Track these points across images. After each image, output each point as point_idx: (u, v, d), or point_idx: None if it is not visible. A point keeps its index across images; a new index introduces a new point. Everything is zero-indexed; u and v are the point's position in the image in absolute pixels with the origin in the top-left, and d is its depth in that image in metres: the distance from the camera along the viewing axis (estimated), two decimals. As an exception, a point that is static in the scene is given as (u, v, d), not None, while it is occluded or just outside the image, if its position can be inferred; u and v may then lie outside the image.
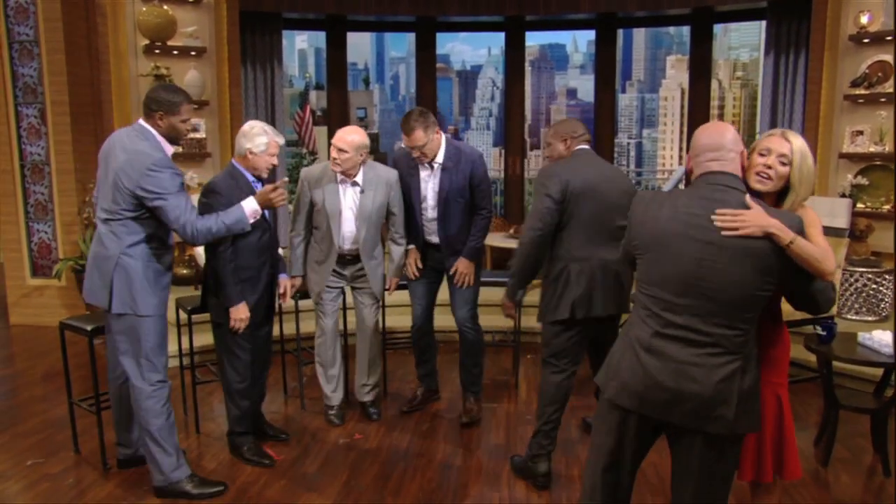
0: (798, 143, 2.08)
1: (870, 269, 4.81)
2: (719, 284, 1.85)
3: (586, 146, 3.11)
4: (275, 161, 3.24)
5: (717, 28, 8.53)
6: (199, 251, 5.46)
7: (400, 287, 3.85)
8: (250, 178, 3.17)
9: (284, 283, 3.51)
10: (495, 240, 6.04)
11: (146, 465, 3.04)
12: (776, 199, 2.11)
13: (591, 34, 7.58)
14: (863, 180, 5.25)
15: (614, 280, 2.95)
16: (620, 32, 7.45)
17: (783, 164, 2.06)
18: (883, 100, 5.13)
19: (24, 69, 5.47)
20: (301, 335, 4.16)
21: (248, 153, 3.14)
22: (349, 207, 3.56)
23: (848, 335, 3.42)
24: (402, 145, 3.61)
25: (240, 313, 3.15)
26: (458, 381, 4.00)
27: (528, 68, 9.58)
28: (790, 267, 1.88)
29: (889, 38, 5.05)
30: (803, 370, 4.06)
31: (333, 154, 3.46)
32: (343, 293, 3.80)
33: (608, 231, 2.91)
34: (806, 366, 4.06)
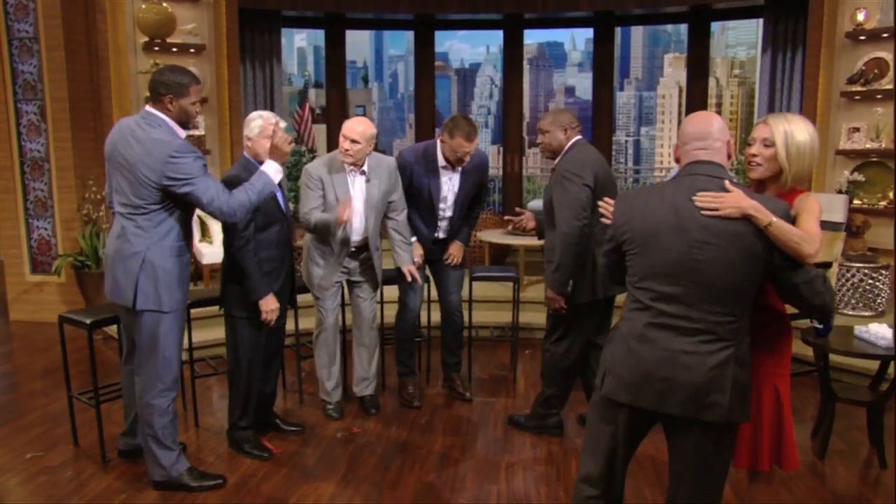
0: (781, 124, 2.16)
1: (866, 265, 4.84)
2: (710, 271, 1.87)
3: (580, 137, 3.29)
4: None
5: (715, 26, 8.56)
6: (199, 248, 5.48)
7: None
8: (258, 165, 3.17)
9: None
10: (493, 236, 6.06)
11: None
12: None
13: (589, 32, 7.61)
14: (859, 177, 5.27)
15: None
16: (618, 30, 7.49)
17: (766, 146, 2.17)
18: (879, 96, 5.16)
19: (24, 66, 5.48)
20: (300, 330, 4.17)
21: (247, 140, 3.18)
22: (358, 198, 3.58)
23: (844, 328, 3.45)
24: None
25: (269, 304, 3.16)
26: (440, 376, 4.26)
27: (526, 66, 9.59)
28: (774, 251, 1.89)
29: (885, 34, 5.07)
30: (800, 364, 4.07)
31: (346, 146, 3.48)
32: (342, 288, 3.82)
33: None
34: (803, 359, 4.08)
